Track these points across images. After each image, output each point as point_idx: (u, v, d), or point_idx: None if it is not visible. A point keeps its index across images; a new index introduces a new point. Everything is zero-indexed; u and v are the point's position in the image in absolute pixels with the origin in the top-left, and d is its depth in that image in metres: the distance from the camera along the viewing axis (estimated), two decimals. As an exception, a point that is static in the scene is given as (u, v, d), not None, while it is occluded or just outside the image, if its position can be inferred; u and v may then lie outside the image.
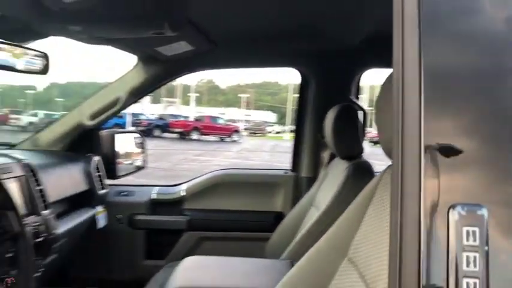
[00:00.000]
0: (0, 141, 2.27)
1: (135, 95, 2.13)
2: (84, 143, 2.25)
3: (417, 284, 0.43)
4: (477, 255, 0.43)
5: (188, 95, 43.80)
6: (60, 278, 1.85)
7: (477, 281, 0.43)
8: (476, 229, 0.43)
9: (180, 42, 1.75)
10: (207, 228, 2.25)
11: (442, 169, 0.44)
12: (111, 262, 2.25)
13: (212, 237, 2.24)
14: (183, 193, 2.30)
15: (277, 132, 33.37)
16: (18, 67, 1.49)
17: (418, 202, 0.44)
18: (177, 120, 24.09)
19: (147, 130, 23.26)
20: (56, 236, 1.59)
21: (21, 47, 1.48)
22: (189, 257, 1.60)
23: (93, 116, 2.13)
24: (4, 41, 1.40)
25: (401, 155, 0.45)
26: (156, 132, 22.61)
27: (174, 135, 22.44)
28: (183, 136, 22.38)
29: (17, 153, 1.70)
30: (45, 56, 1.53)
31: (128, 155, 2.52)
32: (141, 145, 2.64)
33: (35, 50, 1.49)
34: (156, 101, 40.22)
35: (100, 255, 2.26)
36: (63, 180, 1.90)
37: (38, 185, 1.59)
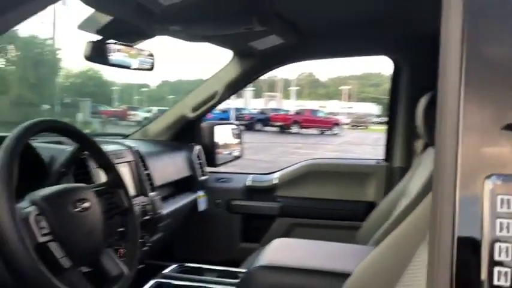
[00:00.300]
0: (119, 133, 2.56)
1: (231, 88, 2.26)
2: (187, 133, 2.45)
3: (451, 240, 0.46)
4: (510, 221, 0.44)
5: (289, 89, 44.17)
6: (166, 255, 2.05)
7: (509, 245, 0.45)
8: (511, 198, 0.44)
9: (270, 36, 1.84)
10: (299, 215, 2.33)
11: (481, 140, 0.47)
12: (210, 243, 2.43)
13: (303, 223, 2.31)
14: (275, 181, 2.40)
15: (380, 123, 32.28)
16: (133, 66, 1.70)
17: (454, 173, 0.47)
18: (277, 114, 24.47)
19: (249, 124, 23.89)
20: (161, 215, 1.77)
21: (131, 46, 1.68)
22: (278, 239, 1.69)
23: (195, 109, 2.31)
24: (118, 42, 1.60)
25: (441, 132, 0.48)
26: (258, 126, 23.17)
27: (275, 129, 22.81)
28: (283, 129, 22.67)
29: (128, 142, 1.92)
30: (151, 55, 1.72)
31: (226, 145, 2.69)
32: (238, 136, 2.80)
33: (143, 50, 1.68)
34: (258, 95, 41.14)
35: (200, 236, 2.44)
36: (168, 167, 2.10)
37: (146, 169, 1.78)
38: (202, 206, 2.37)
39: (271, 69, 2.25)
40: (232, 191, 2.44)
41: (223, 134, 2.68)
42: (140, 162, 1.75)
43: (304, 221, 2.32)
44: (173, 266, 1.76)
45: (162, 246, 2.18)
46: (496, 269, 0.45)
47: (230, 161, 2.69)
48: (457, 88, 0.48)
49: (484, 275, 0.45)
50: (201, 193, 2.38)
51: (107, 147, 1.65)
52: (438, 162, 0.49)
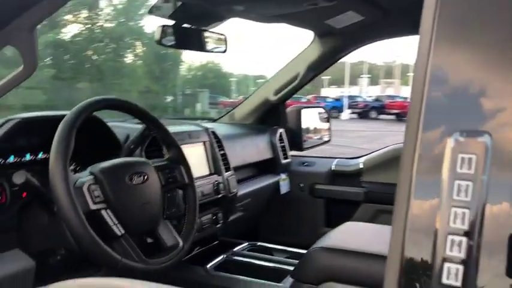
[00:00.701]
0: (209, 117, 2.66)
1: (314, 69, 2.22)
2: (272, 116, 2.47)
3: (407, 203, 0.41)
4: (470, 184, 0.37)
5: (407, 74, 41.93)
6: (251, 234, 2.09)
7: (467, 211, 0.38)
8: (473, 156, 0.37)
9: (348, 13, 1.76)
10: (384, 201, 2.21)
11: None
12: (293, 226, 2.43)
13: (389, 210, 2.19)
14: (361, 165, 2.31)
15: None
16: (207, 48, 1.75)
17: (416, 131, 0.41)
18: (393, 101, 23.37)
19: (363, 112, 23.18)
20: (234, 194, 1.82)
21: (206, 31, 1.73)
22: (350, 222, 1.63)
23: (277, 92, 2.32)
24: (191, 25, 1.66)
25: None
26: (372, 114, 22.42)
27: (391, 117, 21.86)
28: (400, 117, 21.61)
29: (209, 124, 1.99)
30: (224, 38, 1.76)
31: (313, 129, 2.65)
32: (327, 120, 2.74)
33: (215, 32, 1.72)
34: (374, 82, 39.73)
35: (283, 219, 2.45)
36: (248, 149, 2.14)
37: (221, 150, 1.84)
38: (284, 188, 2.38)
39: (354, 49, 2.15)
40: (316, 175, 2.40)
41: (310, 118, 2.65)
42: (215, 143, 1.81)
43: (390, 207, 2.19)
44: (244, 244, 1.79)
45: (245, 226, 2.24)
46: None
47: (317, 145, 2.65)
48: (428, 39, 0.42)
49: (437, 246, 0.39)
50: (283, 176, 2.38)
51: (182, 128, 1.74)
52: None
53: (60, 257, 1.16)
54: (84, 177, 1.07)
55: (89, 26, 16.34)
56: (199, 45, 1.75)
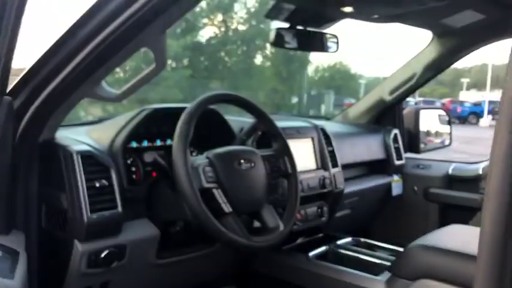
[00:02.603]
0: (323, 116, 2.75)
1: (431, 70, 2.17)
2: (388, 117, 2.46)
3: None
4: None
5: None
6: (359, 233, 2.12)
7: None
8: None
9: (465, 12, 1.71)
10: None
11: None
12: (404, 229, 2.40)
13: None
14: (480, 171, 2.20)
15: None
16: (319, 49, 1.85)
17: None
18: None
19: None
20: (341, 190, 1.88)
21: (319, 32, 1.82)
22: (456, 224, 1.60)
23: (392, 92, 2.31)
24: (305, 27, 1.76)
25: None
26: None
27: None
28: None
29: (320, 122, 2.08)
30: (335, 38, 1.83)
31: (432, 131, 2.58)
32: (447, 122, 2.64)
33: (327, 33, 1.80)
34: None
35: (395, 221, 2.43)
36: (359, 147, 2.17)
37: (329, 146, 1.91)
38: (396, 190, 2.36)
39: (475, 49, 2.05)
40: (432, 179, 2.34)
41: (429, 120, 2.58)
42: (324, 139, 1.89)
43: None
44: (348, 239, 1.84)
45: (353, 224, 2.27)
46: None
47: (436, 148, 2.57)
48: None
49: None
50: (396, 177, 2.36)
51: (292, 123, 1.85)
52: None
53: (180, 228, 1.35)
54: (201, 160, 1.24)
55: (223, 29, 17.37)
56: (312, 45, 1.85)
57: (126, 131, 1.32)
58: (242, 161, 1.29)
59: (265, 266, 1.72)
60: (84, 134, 1.37)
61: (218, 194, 1.22)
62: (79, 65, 1.08)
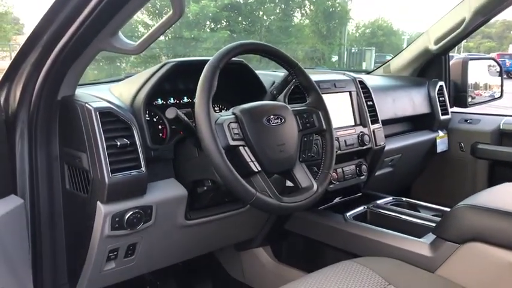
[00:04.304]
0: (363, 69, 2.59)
1: (482, 13, 1.96)
2: (432, 68, 2.28)
3: None
4: None
5: None
6: (402, 193, 2.01)
7: None
8: None
9: None
10: None
11: None
12: (449, 188, 2.26)
13: None
14: None
15: None
16: None
17: None
18: None
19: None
20: (381, 147, 1.76)
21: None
22: (508, 183, 1.45)
23: (437, 41, 2.12)
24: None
25: None
26: None
27: None
28: None
29: (360, 76, 1.93)
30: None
31: (481, 83, 2.39)
32: (498, 74, 2.43)
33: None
34: None
35: (439, 178, 2.29)
36: (401, 102, 2.02)
37: (369, 101, 1.78)
38: (441, 147, 2.21)
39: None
40: (480, 134, 2.17)
41: (478, 72, 2.38)
42: (362, 93, 1.75)
43: None
44: (389, 198, 1.73)
45: (395, 183, 2.16)
46: None
47: (485, 101, 2.38)
48: None
49: None
50: (441, 133, 2.21)
51: (328, 77, 1.72)
52: None
53: (207, 188, 1.28)
54: (226, 116, 1.16)
55: (261, -14, 16.92)
56: None
57: (148, 86, 1.24)
58: (271, 116, 1.19)
59: (299, 226, 1.65)
60: (106, 90, 1.31)
61: (245, 152, 1.13)
62: (91, 13, 1.00)
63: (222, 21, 15.86)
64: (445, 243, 1.26)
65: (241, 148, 1.13)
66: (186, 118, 1.18)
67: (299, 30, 17.99)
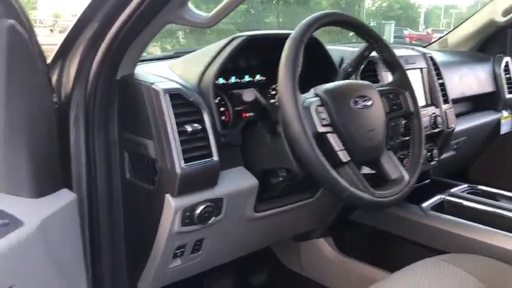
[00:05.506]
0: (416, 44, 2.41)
1: None
2: (497, 42, 2.11)
3: None
4: None
5: None
6: (460, 176, 1.88)
7: None
8: None
9: None
10: None
11: None
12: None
13: None
14: None
15: None
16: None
17: None
18: None
19: None
20: (452, 130, 1.61)
21: None
22: None
23: (507, 12, 1.94)
24: None
25: None
26: None
27: None
28: None
29: (425, 50, 1.77)
30: None
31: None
32: None
33: None
34: None
35: (500, 162, 2.14)
36: (466, 79, 1.86)
37: (440, 79, 1.62)
38: (505, 127, 2.05)
39: None
40: None
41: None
42: (433, 70, 1.60)
43: None
44: (463, 186, 1.59)
45: (455, 167, 2.01)
46: None
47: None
48: None
49: None
50: (505, 113, 2.04)
51: (398, 52, 1.56)
52: None
53: (282, 178, 1.15)
54: (310, 97, 1.02)
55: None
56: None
57: (216, 64, 1.10)
58: (358, 98, 1.05)
59: (367, 216, 1.52)
60: (167, 69, 1.17)
61: (334, 139, 0.99)
62: None
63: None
64: None
65: (329, 135, 0.99)
66: (264, 100, 1.04)
67: (317, 3, 17.55)
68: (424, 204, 1.42)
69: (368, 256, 1.51)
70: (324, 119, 0.99)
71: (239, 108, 1.19)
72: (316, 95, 1.02)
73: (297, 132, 0.92)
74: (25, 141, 0.84)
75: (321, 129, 0.98)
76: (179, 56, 1.30)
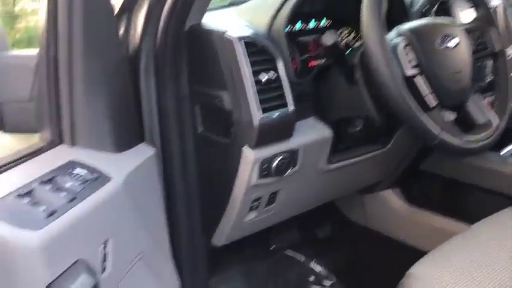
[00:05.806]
0: None
1: None
2: None
3: None
4: None
5: None
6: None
7: None
8: None
9: None
10: None
11: None
12: None
13: None
14: None
15: None
16: None
17: None
18: None
19: None
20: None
21: None
22: None
23: None
24: None
25: None
26: None
27: None
28: None
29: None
30: None
31: None
32: None
33: None
34: None
35: None
36: None
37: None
38: None
39: None
40: None
41: None
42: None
43: None
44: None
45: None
46: None
47: None
48: None
49: None
50: None
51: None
52: None
53: (360, 128, 1.10)
54: (394, 37, 0.94)
55: None
56: None
57: (287, 10, 1.03)
58: (444, 37, 0.97)
59: (440, 166, 1.45)
60: (236, 16, 1.11)
61: (422, 83, 0.92)
62: None
63: None
64: None
65: (417, 78, 0.92)
66: (342, 46, 0.98)
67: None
68: (503, 152, 1.34)
69: (442, 207, 1.45)
70: (411, 60, 0.92)
71: (306, 56, 1.12)
72: (401, 34, 0.95)
73: (386, 75, 0.86)
74: (104, 94, 0.83)
75: (409, 72, 0.91)
76: (245, 1, 1.24)
